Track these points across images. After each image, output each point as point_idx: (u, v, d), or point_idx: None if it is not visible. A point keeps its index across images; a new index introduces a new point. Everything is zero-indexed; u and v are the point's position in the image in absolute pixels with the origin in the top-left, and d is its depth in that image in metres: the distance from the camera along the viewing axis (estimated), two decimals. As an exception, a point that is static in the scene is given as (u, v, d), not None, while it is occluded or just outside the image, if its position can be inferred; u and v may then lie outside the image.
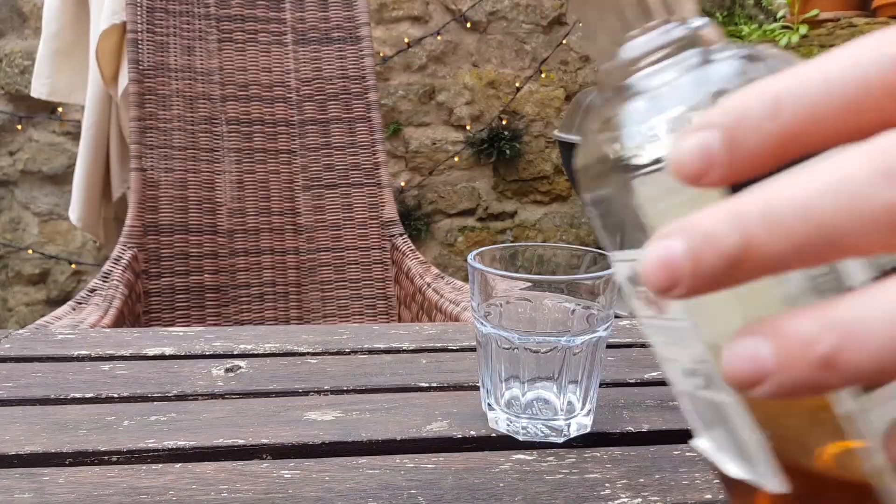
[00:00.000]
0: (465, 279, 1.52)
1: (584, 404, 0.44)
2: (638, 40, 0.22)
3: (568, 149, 1.74)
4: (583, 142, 0.24)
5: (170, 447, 0.42)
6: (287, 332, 0.63)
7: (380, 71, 2.21)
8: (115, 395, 0.50)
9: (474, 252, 0.44)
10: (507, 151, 2.25)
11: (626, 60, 0.23)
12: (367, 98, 1.39)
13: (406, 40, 2.21)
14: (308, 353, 0.58)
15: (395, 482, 0.39)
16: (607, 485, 0.39)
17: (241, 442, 0.43)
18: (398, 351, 0.59)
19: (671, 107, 0.21)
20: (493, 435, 0.44)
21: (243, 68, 1.36)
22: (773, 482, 0.20)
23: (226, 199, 1.30)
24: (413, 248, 1.31)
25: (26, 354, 0.57)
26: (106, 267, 1.12)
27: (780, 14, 2.06)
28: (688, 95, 0.21)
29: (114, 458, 0.42)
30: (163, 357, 0.58)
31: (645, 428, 0.46)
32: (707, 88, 0.21)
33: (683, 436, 0.45)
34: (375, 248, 1.35)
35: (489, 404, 0.45)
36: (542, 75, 2.28)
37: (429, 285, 1.16)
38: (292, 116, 1.37)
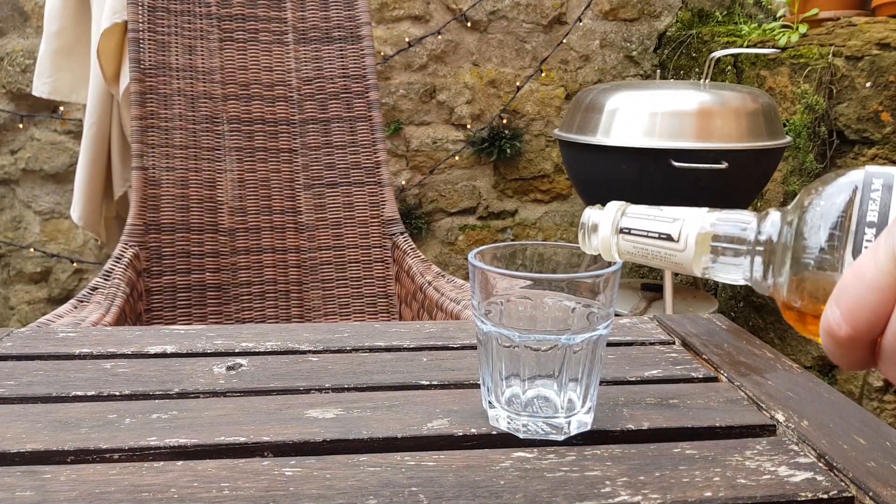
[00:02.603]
0: (466, 277, 1.52)
1: (584, 402, 0.44)
2: None
3: (568, 148, 1.74)
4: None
5: (171, 445, 0.42)
6: (288, 331, 0.64)
7: (380, 70, 2.21)
8: (117, 393, 0.50)
9: (475, 250, 0.44)
10: (508, 150, 2.25)
11: None
12: (367, 97, 1.39)
13: (407, 39, 2.21)
14: (309, 352, 0.59)
15: (395, 480, 0.39)
16: (607, 482, 0.39)
17: (242, 440, 0.43)
18: (399, 349, 0.60)
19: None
20: (494, 433, 0.44)
21: (244, 67, 1.36)
22: None
23: (227, 197, 1.30)
24: (414, 246, 1.31)
25: (28, 352, 0.57)
26: (107, 265, 1.12)
27: (779, 13, 2.05)
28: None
29: (115, 456, 0.42)
30: (164, 355, 0.58)
31: (645, 426, 0.46)
32: None
33: (684, 434, 0.45)
34: (376, 247, 1.35)
35: (490, 402, 0.45)
36: (543, 74, 2.28)
37: (429, 284, 1.16)
38: (293, 115, 1.37)
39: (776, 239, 0.35)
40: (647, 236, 0.39)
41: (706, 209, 0.38)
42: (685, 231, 0.37)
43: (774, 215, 0.36)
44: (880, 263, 0.27)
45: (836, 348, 0.29)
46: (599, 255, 0.45)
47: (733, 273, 0.37)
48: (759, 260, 0.36)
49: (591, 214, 0.41)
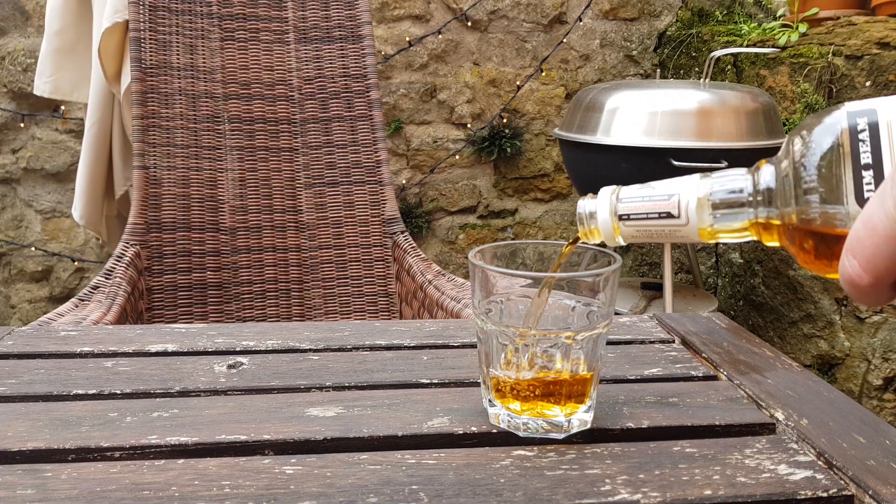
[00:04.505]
0: (466, 276, 1.52)
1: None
2: None
3: (568, 147, 1.74)
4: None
5: (172, 443, 0.43)
6: (289, 329, 0.64)
7: (381, 69, 2.21)
8: (118, 392, 0.50)
9: (475, 249, 0.44)
10: (508, 149, 2.25)
11: None
12: (368, 96, 1.39)
13: (407, 39, 2.21)
14: (310, 350, 0.59)
15: (396, 478, 0.39)
16: (607, 481, 0.39)
17: (243, 438, 0.43)
18: (399, 347, 0.60)
19: None
20: (494, 431, 0.44)
21: (245, 66, 1.36)
22: None
23: (228, 196, 1.30)
24: (414, 245, 1.31)
25: (29, 351, 0.58)
26: (109, 264, 1.12)
27: (779, 12, 2.05)
28: None
29: (116, 455, 0.42)
30: (165, 353, 0.58)
31: (645, 424, 0.46)
32: None
33: (683, 432, 0.46)
34: (377, 246, 1.35)
35: (490, 400, 0.45)
36: (543, 74, 2.28)
37: (430, 282, 1.16)
38: (294, 114, 1.37)
39: (775, 187, 0.36)
40: (647, 218, 0.39)
41: (698, 176, 0.38)
42: (683, 204, 0.38)
43: (768, 168, 0.36)
44: (889, 212, 0.28)
45: (860, 295, 0.31)
46: (599, 252, 0.45)
47: (739, 225, 0.37)
48: (762, 211, 0.36)
49: (587, 205, 0.41)
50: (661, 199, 0.38)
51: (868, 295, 0.30)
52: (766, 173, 0.36)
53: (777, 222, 0.36)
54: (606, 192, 0.40)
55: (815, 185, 0.33)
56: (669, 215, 0.38)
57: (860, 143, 0.32)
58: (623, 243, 0.41)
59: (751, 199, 0.37)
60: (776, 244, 0.37)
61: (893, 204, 0.28)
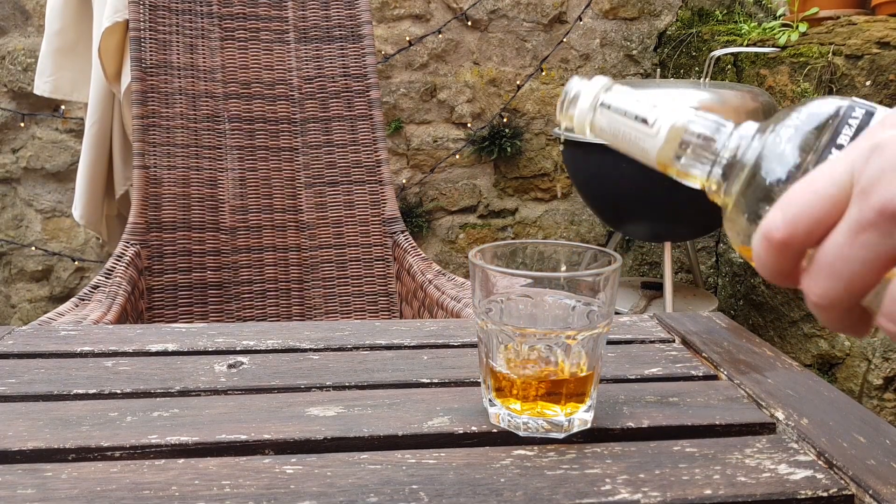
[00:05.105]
0: (467, 276, 1.52)
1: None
2: None
3: (568, 146, 1.74)
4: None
5: (172, 443, 0.43)
6: (289, 329, 0.64)
7: (381, 69, 2.21)
8: (118, 391, 0.50)
9: (475, 249, 0.44)
10: (508, 149, 2.25)
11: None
12: (368, 96, 1.39)
13: (407, 38, 2.21)
14: (310, 350, 0.59)
15: (396, 477, 0.39)
16: (608, 480, 0.39)
17: (243, 437, 0.43)
18: (400, 347, 0.60)
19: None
20: (495, 431, 0.44)
21: (245, 66, 1.36)
22: None
23: (228, 196, 1.30)
24: (414, 244, 1.31)
25: (29, 350, 0.58)
26: (109, 264, 1.12)
27: (779, 12, 2.05)
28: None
29: (117, 454, 0.42)
30: (165, 353, 0.58)
31: (645, 424, 0.46)
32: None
33: (684, 432, 0.46)
34: (377, 245, 1.35)
35: (490, 400, 0.45)
36: (543, 73, 2.28)
37: (430, 282, 1.16)
38: (294, 114, 1.37)
39: (742, 151, 0.34)
40: (624, 115, 0.38)
41: (690, 106, 0.37)
42: (662, 119, 0.37)
43: (750, 125, 0.35)
44: (836, 175, 0.27)
45: (766, 252, 0.29)
46: (600, 252, 0.45)
47: (693, 172, 0.36)
48: (718, 170, 0.35)
49: (576, 84, 0.40)
50: (646, 105, 0.37)
51: (774, 254, 0.28)
52: (745, 127, 0.35)
53: (726, 184, 0.35)
54: (601, 79, 0.39)
55: (779, 159, 0.32)
56: (645, 121, 0.37)
57: (846, 126, 0.31)
58: (589, 134, 0.40)
59: (720, 145, 0.35)
60: (721, 206, 0.36)
61: (843, 168, 0.27)
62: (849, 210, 0.26)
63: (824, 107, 0.32)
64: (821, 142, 0.31)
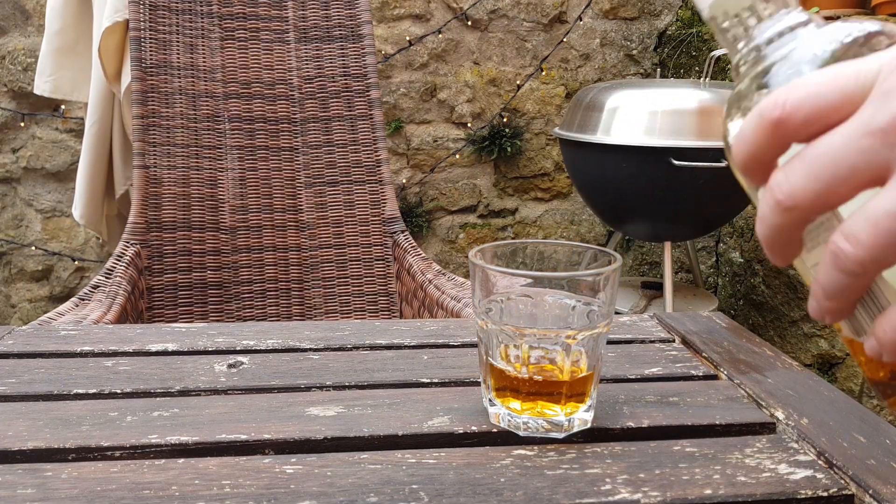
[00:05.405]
0: (467, 276, 1.52)
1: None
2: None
3: (569, 146, 1.74)
4: None
5: (172, 443, 0.43)
6: (289, 328, 0.64)
7: (381, 69, 2.21)
8: (118, 391, 0.50)
9: (475, 249, 0.44)
10: (508, 149, 2.25)
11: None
12: (368, 95, 1.39)
13: (407, 38, 2.21)
14: (310, 349, 0.59)
15: (396, 477, 0.39)
16: (608, 480, 0.39)
17: (243, 437, 0.43)
18: (400, 347, 0.60)
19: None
20: (495, 430, 0.44)
21: (245, 66, 1.36)
22: None
23: (228, 195, 1.30)
24: (414, 244, 1.31)
25: (29, 350, 0.58)
26: (109, 263, 1.12)
27: (781, 11, 2.05)
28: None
29: (117, 454, 0.42)
30: (165, 353, 0.58)
31: (645, 424, 0.46)
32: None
33: (684, 432, 0.46)
34: (377, 245, 1.35)
35: (490, 399, 0.45)
36: (543, 73, 2.28)
37: (430, 282, 1.16)
38: (294, 114, 1.37)
39: (780, 36, 0.33)
40: None
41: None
42: None
43: (797, 15, 0.33)
44: (860, 71, 0.25)
45: (754, 130, 0.26)
46: (600, 251, 0.45)
47: (724, 40, 0.34)
48: (751, 46, 0.33)
49: None
50: None
51: (759, 137, 0.26)
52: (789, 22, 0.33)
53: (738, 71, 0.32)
54: None
55: (823, 45, 0.30)
56: None
57: (886, 38, 0.29)
58: None
59: (746, 37, 0.33)
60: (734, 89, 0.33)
61: (869, 68, 0.24)
62: (862, 109, 0.24)
63: (868, 24, 0.30)
64: (857, 43, 0.29)
